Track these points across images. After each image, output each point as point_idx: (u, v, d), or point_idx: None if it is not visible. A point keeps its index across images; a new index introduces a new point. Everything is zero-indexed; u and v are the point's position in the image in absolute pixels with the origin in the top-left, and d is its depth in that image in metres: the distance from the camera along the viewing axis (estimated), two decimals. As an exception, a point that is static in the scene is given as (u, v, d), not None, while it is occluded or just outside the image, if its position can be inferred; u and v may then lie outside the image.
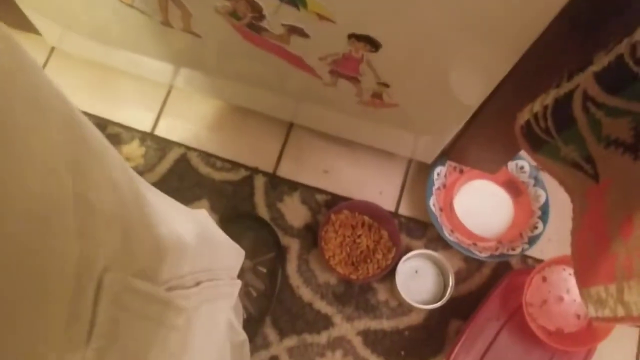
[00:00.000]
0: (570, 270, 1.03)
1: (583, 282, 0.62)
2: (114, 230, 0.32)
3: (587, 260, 0.61)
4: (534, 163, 1.11)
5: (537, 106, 0.66)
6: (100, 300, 0.31)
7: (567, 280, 1.03)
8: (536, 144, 0.69)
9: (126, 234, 0.34)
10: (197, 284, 0.47)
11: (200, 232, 0.50)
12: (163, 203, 0.45)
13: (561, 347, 0.99)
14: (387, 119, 0.95)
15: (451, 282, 1.08)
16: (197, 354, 0.52)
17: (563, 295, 1.03)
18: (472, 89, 0.77)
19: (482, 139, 0.98)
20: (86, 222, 0.29)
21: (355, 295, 1.12)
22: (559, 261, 1.02)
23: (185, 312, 0.42)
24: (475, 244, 1.13)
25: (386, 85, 0.80)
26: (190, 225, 0.49)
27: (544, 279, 1.03)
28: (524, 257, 1.15)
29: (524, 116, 0.69)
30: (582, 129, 0.60)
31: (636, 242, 0.52)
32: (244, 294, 1.03)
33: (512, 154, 1.01)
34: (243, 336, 0.85)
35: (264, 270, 1.06)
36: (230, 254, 0.67)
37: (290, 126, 1.21)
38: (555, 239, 1.13)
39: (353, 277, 1.08)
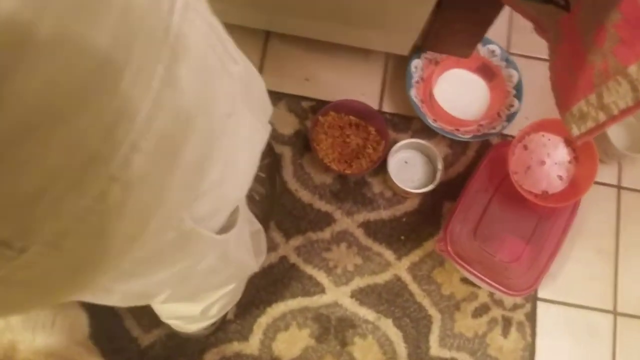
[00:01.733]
0: (549, 136, 1.10)
1: (565, 106, 0.68)
2: None
3: (567, 84, 0.67)
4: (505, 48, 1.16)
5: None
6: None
7: (546, 146, 1.10)
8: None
9: None
10: None
11: None
12: None
13: (548, 205, 1.06)
14: (358, 18, 0.98)
15: (439, 165, 1.13)
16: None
17: (544, 159, 1.09)
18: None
19: (451, 22, 1.02)
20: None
21: (351, 191, 1.17)
22: (536, 128, 1.08)
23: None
24: (457, 129, 1.19)
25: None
26: None
27: (525, 148, 1.10)
28: (504, 136, 1.21)
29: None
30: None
31: (610, 43, 0.57)
32: (248, 198, 1.07)
33: (482, 34, 1.05)
34: (258, 226, 0.90)
35: (263, 175, 1.10)
36: None
37: (267, 38, 1.23)
38: (531, 116, 1.19)
39: (348, 172, 1.13)
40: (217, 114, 0.42)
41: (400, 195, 1.18)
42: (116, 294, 0.47)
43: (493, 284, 1.03)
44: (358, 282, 1.13)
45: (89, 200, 0.31)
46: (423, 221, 1.17)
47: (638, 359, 1.16)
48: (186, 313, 0.86)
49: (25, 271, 0.33)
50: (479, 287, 1.14)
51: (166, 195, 0.38)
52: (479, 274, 1.03)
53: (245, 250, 0.78)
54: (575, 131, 0.67)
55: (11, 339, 0.72)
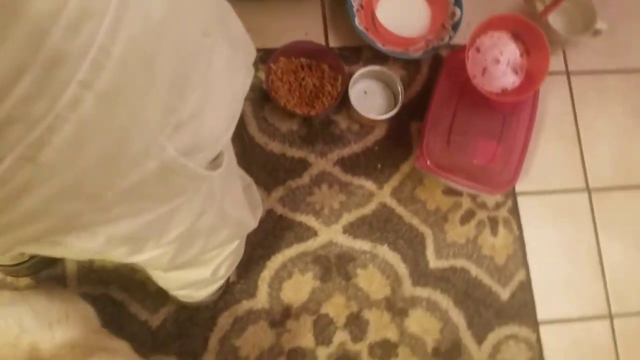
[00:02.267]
0: (497, 33, 1.12)
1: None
2: None
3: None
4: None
5: None
6: None
7: (497, 45, 1.13)
8: None
9: None
10: None
11: None
12: None
13: (510, 100, 1.09)
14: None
15: (399, 87, 1.15)
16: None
17: (498, 57, 1.12)
18: None
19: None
20: None
21: (319, 132, 1.18)
22: (484, 28, 1.11)
23: None
24: (407, 49, 1.20)
25: None
26: None
27: (478, 50, 1.12)
28: (452, 47, 1.23)
29: None
30: None
31: None
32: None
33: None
34: (248, 179, 0.90)
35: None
36: None
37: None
38: (473, 21, 1.21)
39: (312, 113, 1.14)
40: (192, 28, 0.41)
41: (367, 126, 1.19)
42: (101, 236, 0.46)
43: (476, 185, 1.06)
44: (347, 218, 1.15)
45: (61, 106, 0.31)
46: (394, 146, 1.19)
47: (618, 227, 1.23)
48: (197, 278, 0.86)
49: (1, 190, 0.33)
50: (462, 196, 1.18)
51: (144, 113, 0.37)
52: (461, 180, 1.06)
53: (240, 206, 0.78)
54: (540, 7, 0.69)
55: (31, 340, 0.70)
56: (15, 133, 0.31)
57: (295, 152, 1.16)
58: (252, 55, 0.58)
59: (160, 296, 1.05)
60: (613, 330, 1.18)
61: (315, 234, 1.13)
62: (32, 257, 0.97)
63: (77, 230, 0.44)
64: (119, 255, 0.55)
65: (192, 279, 0.87)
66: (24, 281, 1.03)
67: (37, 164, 0.33)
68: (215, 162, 0.52)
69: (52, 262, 1.03)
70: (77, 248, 0.48)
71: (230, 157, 0.63)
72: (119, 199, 0.42)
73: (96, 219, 0.44)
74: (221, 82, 0.49)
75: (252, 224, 0.82)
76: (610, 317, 1.19)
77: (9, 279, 1.02)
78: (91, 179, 0.38)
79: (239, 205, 0.77)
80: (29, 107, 0.30)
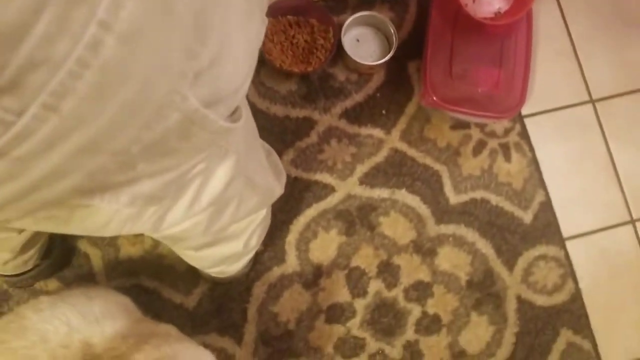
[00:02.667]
0: (482, -43, 1.10)
1: None
2: None
3: None
4: None
5: None
6: None
7: (483, -31, 1.10)
8: None
9: None
10: None
11: None
12: None
13: (505, 22, 1.08)
14: None
15: (391, 29, 1.13)
16: None
17: (486, -19, 1.10)
18: None
19: None
20: None
21: (318, 88, 1.16)
22: (469, -46, 1.08)
23: None
24: (393, -11, 1.17)
25: None
26: None
27: (465, -23, 1.10)
28: (437, -21, 1.20)
29: None
30: None
31: None
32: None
33: None
34: (267, 146, 0.88)
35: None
36: None
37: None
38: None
39: (310, 69, 1.11)
40: None
41: (365, 74, 1.17)
42: (125, 196, 0.45)
43: (485, 114, 1.06)
44: (361, 169, 1.14)
45: (81, 49, 0.30)
46: (395, 89, 1.18)
47: (626, 133, 1.24)
48: (229, 252, 0.86)
49: (26, 143, 0.32)
50: (470, 128, 1.18)
51: (166, 57, 0.36)
52: (469, 111, 1.06)
53: (266, 172, 0.77)
54: None
55: (81, 338, 0.70)
56: (38, 78, 0.30)
57: (298, 112, 1.15)
58: (265, 7, 0.56)
59: (191, 277, 1.05)
60: (636, 233, 1.20)
61: (332, 190, 1.13)
62: (35, 265, 0.96)
63: (101, 191, 0.43)
64: (149, 224, 0.54)
65: (225, 254, 0.87)
66: (53, 285, 1.02)
67: (61, 115, 0.32)
68: (234, 116, 0.52)
69: (55, 269, 1.02)
70: (102, 214, 0.47)
71: (248, 114, 0.63)
72: (143, 154, 0.41)
73: (121, 179, 0.43)
74: (239, 28, 0.47)
75: (278, 190, 0.81)
76: (632, 221, 1.20)
77: (38, 285, 1.01)
78: (116, 131, 0.37)
79: (264, 171, 0.76)
80: (50, 48, 0.29)
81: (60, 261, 1.02)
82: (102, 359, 0.69)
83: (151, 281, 1.04)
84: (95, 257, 1.04)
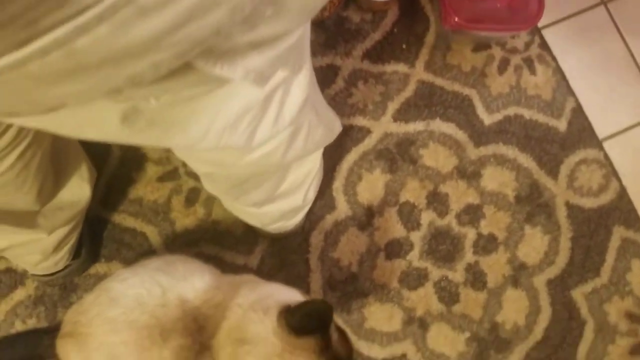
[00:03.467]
0: None
1: None
2: None
3: None
4: None
5: None
6: None
7: None
8: None
9: None
10: None
11: None
12: None
13: None
14: None
15: (398, -38, 1.12)
16: None
17: None
18: None
19: None
20: None
21: (335, 34, 1.16)
22: None
23: None
24: None
25: None
26: None
27: None
28: None
29: None
30: None
31: None
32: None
33: None
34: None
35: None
36: None
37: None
38: None
39: (326, 15, 1.11)
40: None
41: (379, 11, 1.17)
42: (240, 68, 0.43)
43: (507, 27, 1.06)
44: (392, 106, 1.15)
45: None
46: (411, 21, 1.18)
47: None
48: (289, 207, 0.88)
49: None
50: (491, 49, 1.18)
51: None
52: (491, 26, 1.06)
53: (326, 105, 0.79)
54: None
55: (176, 295, 0.71)
56: None
57: (321, 61, 1.15)
58: None
59: (250, 237, 1.06)
60: (669, 124, 1.21)
61: (368, 131, 1.13)
62: (66, 266, 0.97)
63: (219, 56, 0.42)
64: (243, 137, 0.55)
65: (285, 209, 0.88)
66: (116, 267, 1.02)
67: None
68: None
69: (86, 267, 1.02)
70: (213, 102, 0.48)
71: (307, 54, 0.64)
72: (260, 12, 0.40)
73: (238, 41, 0.41)
74: None
75: (338, 125, 0.82)
76: (663, 114, 1.22)
77: (102, 269, 1.02)
78: None
79: (324, 103, 0.77)
80: None
81: (90, 258, 1.03)
82: (201, 310, 0.70)
83: (212, 248, 1.05)
84: (152, 234, 1.05)
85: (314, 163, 0.86)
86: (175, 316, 0.69)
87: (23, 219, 0.76)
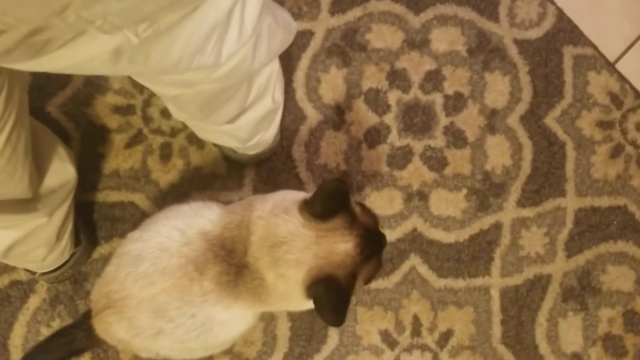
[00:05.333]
0: None
1: None
2: None
3: None
4: None
5: None
6: None
7: None
8: None
9: None
10: None
11: None
12: None
13: None
14: None
15: None
16: None
17: None
18: None
19: None
20: None
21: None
22: None
23: None
24: None
25: None
26: None
27: None
28: None
29: None
30: None
31: None
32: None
33: None
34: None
35: None
36: None
37: None
38: None
39: None
40: None
41: None
42: None
43: None
44: (326, 1, 1.14)
45: None
46: None
47: None
48: (263, 111, 0.90)
49: None
50: None
51: None
52: None
53: (281, 9, 0.81)
54: None
55: (195, 231, 0.72)
56: None
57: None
58: None
59: (235, 172, 1.07)
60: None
61: (311, 33, 1.13)
62: (72, 255, 0.96)
63: None
64: (212, 57, 0.58)
65: (259, 114, 0.89)
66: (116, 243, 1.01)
67: None
68: None
69: (90, 251, 1.02)
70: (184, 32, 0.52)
71: None
72: None
73: None
74: None
75: (294, 26, 0.83)
76: None
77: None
78: None
79: (277, 5, 0.79)
80: None
81: (91, 243, 1.02)
82: (225, 236, 0.71)
83: (202, 194, 1.05)
84: (141, 200, 1.04)
85: (273, 64, 0.87)
86: (203, 248, 0.70)
87: (22, 206, 0.75)
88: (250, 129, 0.90)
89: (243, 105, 0.82)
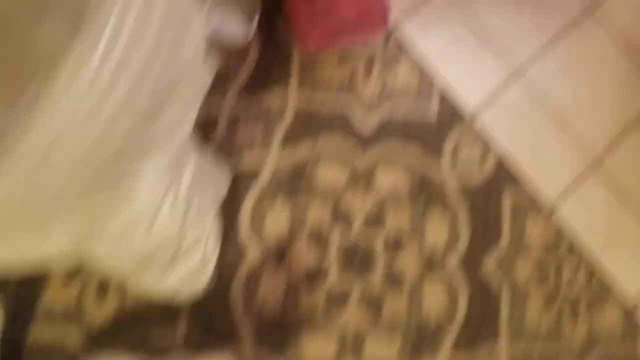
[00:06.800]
0: None
1: None
2: None
3: None
4: None
5: None
6: None
7: None
8: None
9: None
10: None
11: None
12: None
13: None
14: None
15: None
16: None
17: None
18: None
19: None
20: None
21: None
22: None
23: None
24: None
25: None
26: None
27: None
28: None
29: None
30: None
31: None
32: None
33: None
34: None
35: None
36: None
37: None
38: None
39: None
40: None
41: (241, 52, 1.17)
42: None
43: (362, 33, 1.09)
44: (277, 137, 1.17)
45: None
46: (274, 55, 1.19)
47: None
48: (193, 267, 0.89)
49: None
50: (354, 60, 1.22)
51: None
52: (347, 38, 1.08)
53: (209, 167, 0.85)
54: None
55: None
56: None
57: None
58: None
59: (171, 310, 1.06)
60: (523, 83, 1.30)
61: (256, 175, 1.15)
62: None
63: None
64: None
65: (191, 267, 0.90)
66: None
67: None
68: None
69: None
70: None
71: None
72: None
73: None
74: None
75: (226, 176, 0.85)
76: (516, 72, 1.30)
77: None
78: None
79: (207, 165, 0.83)
80: None
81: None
82: None
83: (136, 330, 1.05)
84: (71, 340, 1.02)
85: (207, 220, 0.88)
86: None
87: None
88: (178, 284, 0.91)
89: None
